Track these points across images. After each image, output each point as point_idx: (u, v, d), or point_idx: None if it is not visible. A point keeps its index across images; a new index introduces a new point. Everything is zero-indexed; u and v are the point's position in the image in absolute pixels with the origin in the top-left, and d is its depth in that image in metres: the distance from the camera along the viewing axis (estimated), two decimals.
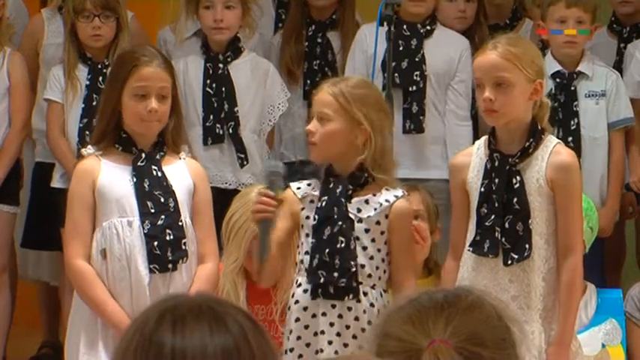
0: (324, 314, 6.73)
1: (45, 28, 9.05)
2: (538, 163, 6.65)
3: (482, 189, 6.68)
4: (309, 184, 6.85)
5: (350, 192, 6.64)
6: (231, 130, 8.56)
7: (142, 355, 2.86)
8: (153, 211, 6.85)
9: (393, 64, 8.25)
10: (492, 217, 6.65)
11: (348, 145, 6.63)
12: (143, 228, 6.80)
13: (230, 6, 8.57)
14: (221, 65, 8.61)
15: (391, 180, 6.78)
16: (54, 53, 8.82)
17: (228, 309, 3.01)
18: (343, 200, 6.66)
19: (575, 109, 8.41)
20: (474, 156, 6.79)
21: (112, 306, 6.76)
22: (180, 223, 6.83)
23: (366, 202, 6.67)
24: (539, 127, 6.68)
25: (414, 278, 6.79)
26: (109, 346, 6.64)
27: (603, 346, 7.71)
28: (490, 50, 6.74)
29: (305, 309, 6.74)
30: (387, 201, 6.66)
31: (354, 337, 6.51)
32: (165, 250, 6.80)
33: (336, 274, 6.61)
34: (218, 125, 8.57)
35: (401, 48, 8.43)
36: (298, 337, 6.75)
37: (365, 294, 6.66)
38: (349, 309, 6.63)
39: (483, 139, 6.87)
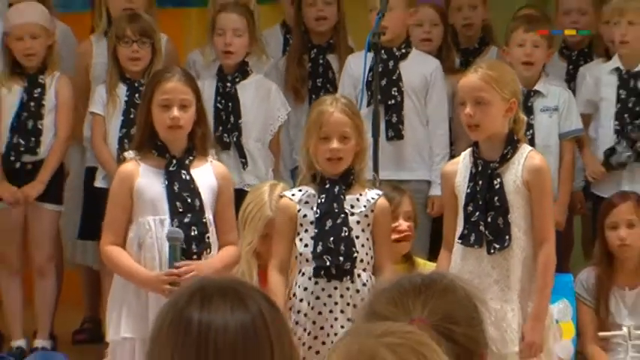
0: (329, 296, 7.18)
1: (93, 50, 9.34)
2: (515, 167, 7.16)
3: (469, 190, 7.20)
4: (299, 190, 7.37)
5: (344, 191, 7.27)
6: (235, 139, 8.92)
7: (174, 329, 3.08)
8: (181, 210, 7.24)
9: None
10: (477, 213, 7.18)
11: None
12: (172, 225, 7.20)
13: (239, 34, 8.90)
14: (229, 84, 8.93)
15: (366, 181, 7.52)
16: (100, 72, 9.03)
17: (249, 291, 3.21)
18: (341, 197, 7.23)
19: (530, 122, 8.67)
20: (461, 164, 7.31)
21: (139, 269, 7.22)
22: (204, 220, 7.26)
23: (357, 199, 7.25)
24: (516, 138, 7.21)
25: (392, 263, 7.31)
26: (141, 316, 7.01)
27: (557, 321, 7.88)
28: (472, 73, 7.28)
29: (312, 293, 7.24)
30: (372, 198, 7.27)
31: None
32: (190, 243, 7.19)
33: (341, 259, 7.14)
34: (225, 135, 8.89)
35: (380, 69, 8.49)
36: (305, 315, 7.24)
37: (359, 276, 7.17)
38: (347, 289, 7.16)
39: (469, 150, 7.34)
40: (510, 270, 7.09)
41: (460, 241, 7.18)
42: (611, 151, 8.90)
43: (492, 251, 7.07)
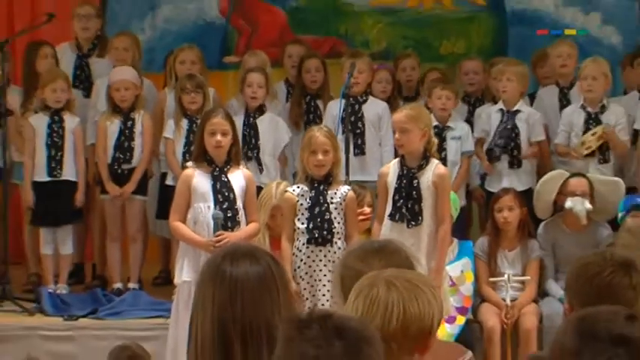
0: (317, 256, 7.29)
1: (167, 98, 9.22)
2: (427, 173, 7.27)
3: (396, 186, 7.30)
4: (297, 187, 7.41)
5: (326, 188, 7.35)
6: (255, 155, 8.87)
7: (212, 279, 3.18)
8: (221, 200, 7.28)
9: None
10: (401, 201, 7.29)
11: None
12: (215, 209, 7.26)
13: (260, 87, 8.87)
14: (252, 119, 8.90)
15: (340, 181, 7.53)
16: (170, 111, 8.97)
17: (261, 253, 3.30)
18: (324, 192, 7.34)
19: (444, 146, 8.66)
20: (392, 168, 7.39)
21: (195, 237, 7.24)
22: (235, 207, 7.31)
23: (335, 193, 7.34)
24: (428, 154, 7.27)
25: (358, 234, 7.42)
26: (195, 267, 6.94)
27: (462, 272, 8.17)
28: (399, 112, 7.46)
29: (307, 260, 7.34)
30: (344, 192, 7.38)
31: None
32: (226, 221, 7.24)
33: (324, 232, 7.28)
34: (249, 152, 8.79)
35: (349, 110, 8.48)
36: (300, 268, 7.35)
37: (335, 243, 7.30)
38: (328, 251, 7.28)
39: (397, 159, 7.44)
40: (421, 239, 7.27)
41: (389, 218, 7.33)
42: (489, 151, 8.96)
43: (409, 226, 7.28)
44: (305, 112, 9.32)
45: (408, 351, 3.34)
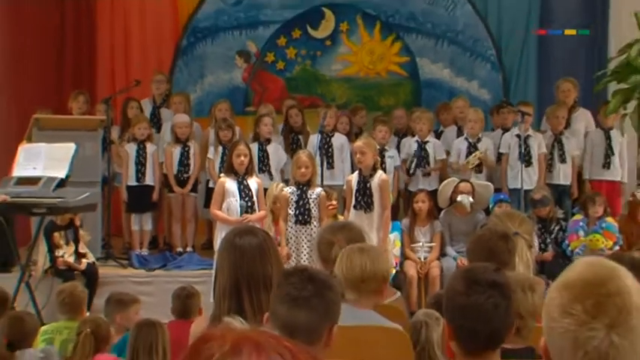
0: (304, 238, 7.15)
1: (210, 133, 9.01)
2: (375, 179, 7.11)
3: (357, 187, 7.14)
4: (289, 188, 7.26)
5: (307, 189, 7.21)
6: (267, 169, 8.57)
7: (227, 249, 3.13)
8: (243, 196, 7.17)
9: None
10: (360, 197, 7.13)
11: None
12: (240, 200, 7.16)
13: (270, 125, 8.69)
14: (263, 146, 8.61)
15: (316, 185, 7.34)
16: (211, 141, 8.79)
17: (259, 231, 3.28)
18: (308, 193, 7.22)
19: (384, 163, 8.15)
20: (354, 177, 7.25)
21: (228, 218, 7.06)
22: (252, 200, 7.17)
23: (312, 192, 7.21)
24: (376, 167, 7.15)
25: (327, 218, 7.16)
26: None
27: (393, 241, 7.82)
28: (359, 141, 7.32)
29: (294, 234, 7.22)
30: (319, 192, 7.25)
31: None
32: (247, 209, 7.15)
33: (306, 217, 7.14)
34: (263, 167, 8.51)
35: (324, 141, 8.53)
36: (290, 240, 7.23)
37: (313, 224, 7.16)
38: (308, 229, 7.16)
39: (357, 171, 7.28)
40: (373, 220, 7.14)
41: (353, 207, 7.19)
42: (408, 169, 8.77)
43: (366, 212, 7.14)
44: (290, 143, 9.05)
45: (375, 291, 3.51)
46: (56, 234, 7.63)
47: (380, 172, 7.26)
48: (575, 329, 1.60)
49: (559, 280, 1.69)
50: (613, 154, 8.55)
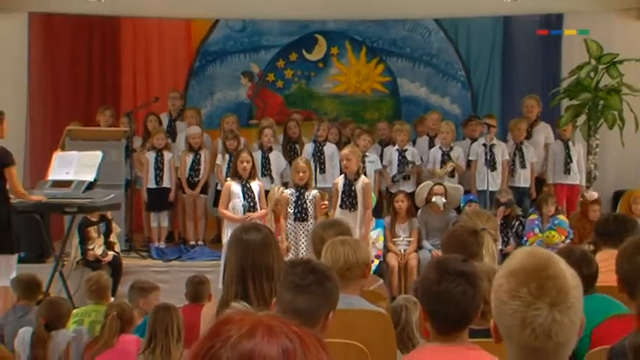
0: (302, 233, 6.97)
1: (218, 143, 8.90)
2: (359, 183, 6.98)
3: (343, 189, 7.03)
4: (289, 190, 7.10)
5: (304, 191, 7.07)
6: (269, 173, 8.49)
7: (235, 242, 3.08)
8: (246, 197, 7.10)
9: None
10: (345, 198, 7.03)
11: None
12: (244, 201, 7.08)
13: (271, 135, 8.61)
14: (266, 154, 8.53)
15: (312, 187, 7.21)
16: (220, 149, 8.72)
17: (263, 227, 3.25)
18: (305, 194, 7.07)
19: (365, 168, 7.93)
20: (340, 180, 7.13)
21: (234, 216, 6.99)
22: (255, 200, 7.09)
23: (309, 194, 7.06)
24: (360, 172, 7.06)
25: (320, 216, 7.02)
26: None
27: (377, 236, 7.78)
28: (345, 150, 7.20)
29: (294, 230, 7.05)
30: (314, 194, 7.10)
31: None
32: (249, 208, 7.08)
33: (303, 214, 6.98)
34: (265, 172, 8.43)
35: (317, 149, 8.53)
36: (289, 235, 7.04)
37: (309, 221, 6.99)
38: (305, 226, 6.98)
39: (343, 174, 7.14)
40: (357, 218, 7.01)
41: (340, 207, 7.08)
42: (393, 176, 8.70)
43: (350, 211, 7.02)
44: (289, 151, 8.96)
45: (359, 276, 3.45)
46: (90, 228, 7.62)
47: (363, 177, 7.18)
48: (523, 310, 1.62)
49: (504, 268, 1.71)
50: (572, 161, 8.64)
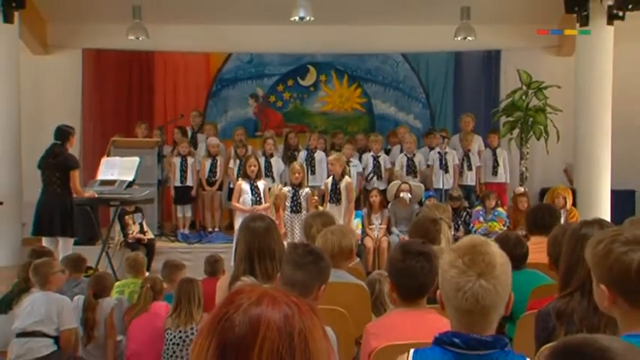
0: (297, 222, 6.76)
1: (231, 151, 8.70)
2: (343, 182, 6.94)
3: (331, 188, 6.96)
4: (287, 187, 6.96)
5: (299, 188, 6.96)
6: (271, 174, 8.25)
7: (244, 229, 2.93)
8: (254, 194, 6.94)
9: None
10: (332, 194, 6.97)
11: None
12: (251, 197, 6.94)
13: (272, 145, 8.46)
14: (269, 159, 8.32)
15: (305, 185, 7.11)
16: (231, 155, 8.52)
17: (266, 217, 3.18)
18: (299, 191, 6.94)
19: (348, 170, 7.74)
20: (329, 180, 6.94)
21: (244, 207, 6.80)
22: (261, 196, 6.92)
23: (302, 191, 6.92)
24: (344, 174, 6.98)
25: (311, 209, 6.75)
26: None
27: (357, 224, 7.59)
28: (332, 156, 7.09)
29: (290, 220, 6.89)
30: (307, 191, 6.98)
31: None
32: (257, 202, 6.91)
33: (297, 207, 6.83)
34: (268, 173, 8.20)
35: (309, 156, 8.40)
36: (287, 225, 6.89)
37: (302, 212, 6.81)
38: (299, 217, 6.78)
39: (331, 176, 6.91)
40: (342, 210, 6.97)
41: (329, 202, 7.03)
42: (368, 175, 8.55)
43: (337, 205, 6.99)
44: (288, 157, 8.86)
45: (347, 258, 3.40)
46: (127, 216, 7.53)
47: (346, 178, 7.09)
48: (457, 277, 1.66)
49: (450, 248, 1.76)
50: (498, 165, 8.67)
